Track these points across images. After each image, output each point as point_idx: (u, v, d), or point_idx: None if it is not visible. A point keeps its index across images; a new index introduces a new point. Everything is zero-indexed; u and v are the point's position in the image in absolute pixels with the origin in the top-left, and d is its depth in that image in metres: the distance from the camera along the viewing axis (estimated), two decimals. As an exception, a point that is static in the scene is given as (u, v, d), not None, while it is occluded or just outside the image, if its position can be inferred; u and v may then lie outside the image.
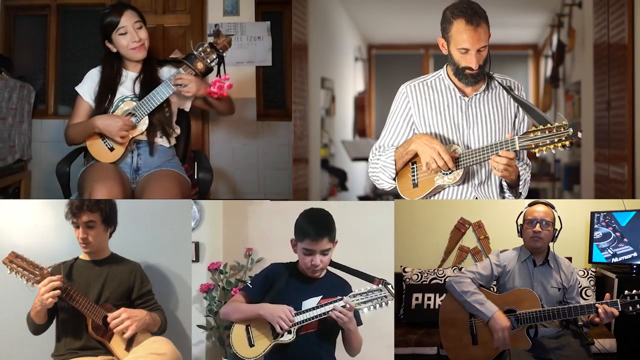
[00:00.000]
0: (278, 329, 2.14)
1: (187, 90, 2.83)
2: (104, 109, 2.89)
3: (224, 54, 2.89)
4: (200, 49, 2.85)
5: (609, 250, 3.14)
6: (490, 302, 2.40)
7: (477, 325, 2.43)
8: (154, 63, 3.00)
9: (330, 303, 2.17)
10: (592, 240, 3.20)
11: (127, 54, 2.91)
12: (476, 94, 2.42)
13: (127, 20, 2.87)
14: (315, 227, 2.20)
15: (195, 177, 3.14)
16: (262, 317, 2.18)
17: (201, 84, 2.87)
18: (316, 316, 2.17)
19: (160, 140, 2.95)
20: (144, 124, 2.87)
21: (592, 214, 3.21)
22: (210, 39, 4.04)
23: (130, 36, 2.87)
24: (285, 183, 4.11)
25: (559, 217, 2.49)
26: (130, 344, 2.34)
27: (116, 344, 2.33)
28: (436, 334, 2.59)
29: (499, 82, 2.42)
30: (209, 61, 2.85)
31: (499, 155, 2.24)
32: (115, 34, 2.87)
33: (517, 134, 2.38)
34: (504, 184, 2.41)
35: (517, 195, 2.43)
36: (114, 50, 2.92)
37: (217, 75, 2.90)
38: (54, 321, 2.38)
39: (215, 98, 2.93)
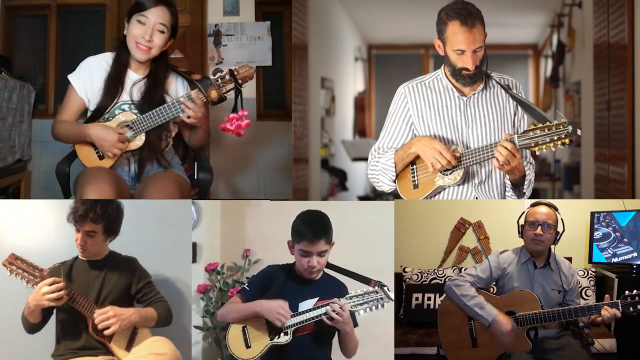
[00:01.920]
0: (278, 324, 2.15)
1: (192, 117, 2.59)
2: (106, 107, 2.68)
3: (243, 87, 2.59)
4: (218, 74, 2.57)
5: (609, 250, 3.14)
6: (491, 306, 2.39)
7: (476, 327, 2.43)
8: (165, 74, 2.74)
9: (327, 305, 2.17)
10: (592, 240, 3.19)
11: (130, 44, 2.64)
12: (474, 94, 2.42)
13: (154, 15, 2.60)
14: (312, 229, 2.20)
15: (195, 177, 3.13)
16: (258, 315, 2.18)
17: (205, 114, 2.64)
18: (312, 318, 2.17)
19: (154, 158, 2.77)
20: (140, 140, 2.66)
21: (592, 214, 3.21)
22: (211, 39, 4.11)
23: (144, 30, 2.60)
24: (285, 183, 4.11)
25: (561, 219, 2.46)
26: (130, 343, 2.34)
27: (116, 344, 2.33)
28: (436, 334, 2.59)
29: (496, 81, 2.42)
30: (224, 90, 2.58)
31: (502, 146, 2.22)
32: (134, 18, 2.61)
33: (516, 133, 2.38)
34: (508, 182, 2.41)
35: (521, 194, 2.42)
36: (125, 32, 2.66)
37: (233, 111, 2.60)
38: (54, 321, 2.38)
39: (206, 131, 2.73)
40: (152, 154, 2.73)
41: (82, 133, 2.68)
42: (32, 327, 2.34)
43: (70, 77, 2.76)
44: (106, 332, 2.29)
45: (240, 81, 2.58)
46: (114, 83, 2.69)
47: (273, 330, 2.19)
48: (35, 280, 2.26)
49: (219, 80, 2.58)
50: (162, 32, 2.63)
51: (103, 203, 2.42)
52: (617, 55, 4.10)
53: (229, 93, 2.60)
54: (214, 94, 2.57)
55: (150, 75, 2.72)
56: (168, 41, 2.69)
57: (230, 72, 2.58)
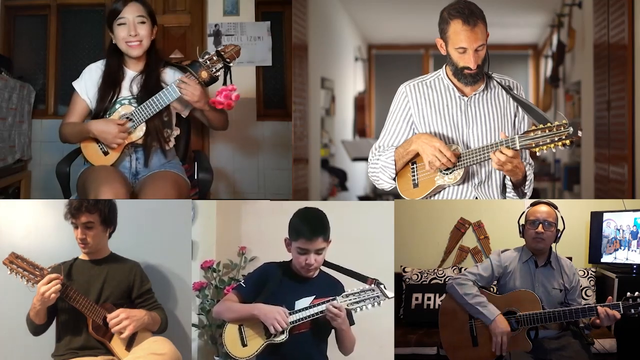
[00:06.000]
0: (272, 330, 2.13)
1: (189, 96, 2.71)
2: (105, 108, 2.80)
3: (231, 64, 2.73)
4: (207, 56, 2.71)
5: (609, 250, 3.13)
6: (492, 305, 2.40)
7: (477, 326, 2.43)
8: (158, 64, 2.88)
9: (323, 303, 2.16)
10: (592, 240, 3.19)
11: (122, 47, 2.80)
12: (475, 94, 2.42)
13: (130, 12, 2.76)
14: (310, 227, 2.19)
15: (196, 177, 3.13)
16: (255, 317, 2.17)
17: (204, 94, 2.76)
18: (309, 316, 2.16)
19: (158, 145, 2.87)
20: (140, 130, 2.77)
21: (592, 214, 3.21)
22: (211, 39, 4.11)
23: (128, 29, 2.76)
24: (285, 183, 4.11)
25: (561, 217, 2.48)
26: (130, 344, 2.34)
27: (116, 344, 2.33)
28: (436, 334, 2.59)
29: (497, 82, 2.42)
30: (214, 70, 2.71)
31: (501, 152, 2.23)
32: (115, 23, 2.77)
33: (517, 134, 2.38)
34: (509, 182, 2.41)
35: (522, 195, 2.42)
36: (114, 40, 2.82)
37: (223, 84, 2.75)
38: (54, 321, 2.37)
39: (216, 110, 2.81)
40: (156, 140, 2.84)
41: (84, 130, 2.82)
42: (38, 329, 2.35)
43: (74, 83, 2.92)
44: (122, 336, 2.31)
45: (228, 59, 2.72)
46: (107, 87, 2.84)
47: None
48: (36, 279, 2.26)
49: (208, 61, 2.71)
50: (143, 22, 2.79)
51: (95, 200, 2.47)
52: (617, 55, 4.10)
53: (218, 72, 2.74)
54: (204, 74, 2.71)
55: (146, 68, 2.86)
56: (152, 29, 2.84)
57: (217, 52, 2.72)
